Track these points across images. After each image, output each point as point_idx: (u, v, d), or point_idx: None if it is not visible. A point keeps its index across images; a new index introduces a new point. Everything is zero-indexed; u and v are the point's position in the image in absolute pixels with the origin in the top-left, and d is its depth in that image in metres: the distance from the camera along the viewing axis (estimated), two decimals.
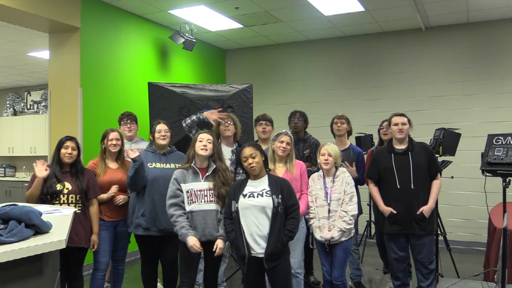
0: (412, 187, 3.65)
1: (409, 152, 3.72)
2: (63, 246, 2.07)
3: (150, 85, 4.95)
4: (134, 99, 5.99)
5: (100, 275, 3.70)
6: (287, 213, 3.02)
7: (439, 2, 5.74)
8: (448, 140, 4.48)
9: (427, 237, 3.69)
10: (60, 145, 3.45)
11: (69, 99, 5.36)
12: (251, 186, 3.06)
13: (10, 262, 1.83)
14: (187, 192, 3.18)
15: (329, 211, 3.51)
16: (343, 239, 3.49)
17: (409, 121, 3.79)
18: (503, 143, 3.48)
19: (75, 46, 5.36)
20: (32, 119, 10.40)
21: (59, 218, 2.62)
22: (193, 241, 3.07)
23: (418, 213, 3.62)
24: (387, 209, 3.71)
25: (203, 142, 3.24)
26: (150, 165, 3.60)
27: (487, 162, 3.46)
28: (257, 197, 2.99)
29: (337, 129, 4.40)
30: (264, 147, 3.50)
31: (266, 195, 2.99)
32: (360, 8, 5.94)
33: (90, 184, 3.51)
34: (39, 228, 2.12)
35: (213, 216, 3.19)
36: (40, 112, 10.55)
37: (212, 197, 3.20)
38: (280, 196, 2.98)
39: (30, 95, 10.95)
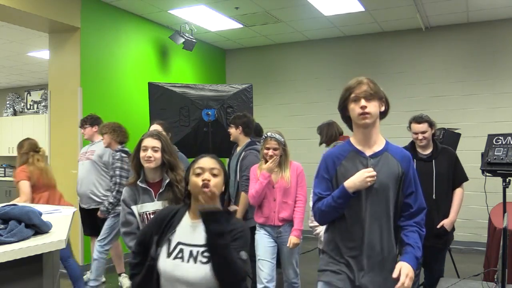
0: (434, 197, 3.43)
1: (433, 160, 3.49)
2: (63, 246, 2.07)
3: (150, 85, 4.94)
4: (134, 99, 5.99)
5: None
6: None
7: (439, 2, 5.73)
8: (448, 140, 4.47)
9: (442, 251, 3.60)
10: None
11: (69, 99, 5.37)
12: (184, 233, 1.83)
13: (10, 262, 1.83)
14: (140, 216, 2.48)
15: None
16: None
17: (430, 124, 3.47)
18: (503, 143, 3.47)
19: (75, 46, 5.36)
20: (32, 119, 10.39)
21: (59, 218, 2.62)
22: None
23: (438, 227, 3.42)
24: None
25: (147, 152, 2.45)
26: None
27: (487, 162, 3.45)
28: (188, 260, 1.76)
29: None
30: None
31: (200, 262, 1.75)
32: (360, 8, 5.94)
33: None
34: (39, 228, 2.12)
35: None
36: (40, 112, 10.55)
37: None
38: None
39: (30, 95, 10.95)
